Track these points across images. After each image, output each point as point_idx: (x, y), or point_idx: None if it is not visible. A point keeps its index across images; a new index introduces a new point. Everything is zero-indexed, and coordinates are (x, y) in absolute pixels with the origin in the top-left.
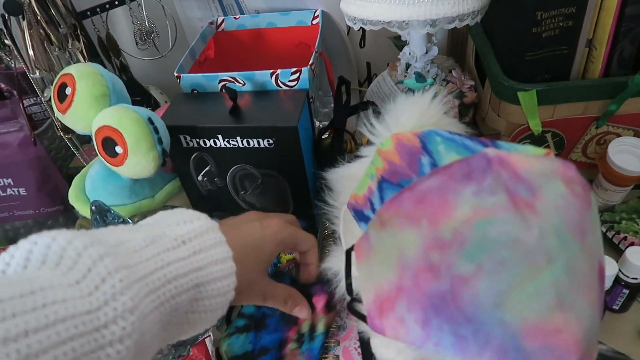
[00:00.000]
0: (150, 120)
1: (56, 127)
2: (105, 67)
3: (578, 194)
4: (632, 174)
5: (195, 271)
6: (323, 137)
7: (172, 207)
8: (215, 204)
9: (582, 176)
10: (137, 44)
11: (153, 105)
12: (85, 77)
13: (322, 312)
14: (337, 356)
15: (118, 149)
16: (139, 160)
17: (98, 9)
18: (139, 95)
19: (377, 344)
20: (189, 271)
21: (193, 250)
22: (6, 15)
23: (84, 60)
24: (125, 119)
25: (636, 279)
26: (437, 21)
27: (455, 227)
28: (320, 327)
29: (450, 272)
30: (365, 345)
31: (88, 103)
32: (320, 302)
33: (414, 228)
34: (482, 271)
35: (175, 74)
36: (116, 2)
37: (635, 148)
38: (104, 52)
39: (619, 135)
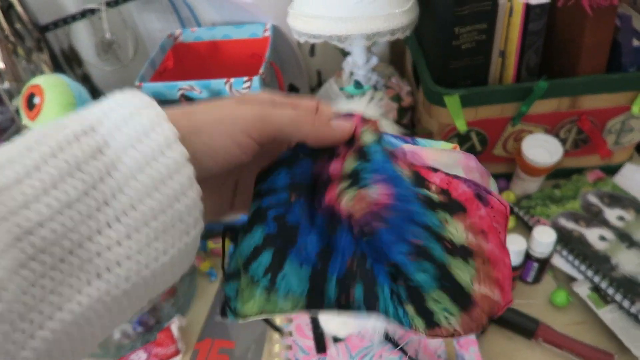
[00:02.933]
0: None
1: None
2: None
3: (475, 180)
4: (543, 166)
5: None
6: None
7: None
8: None
9: (482, 166)
10: (98, 54)
11: None
12: (53, 87)
13: (362, 124)
14: (291, 332)
15: None
16: None
17: (61, 22)
18: None
19: (324, 319)
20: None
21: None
22: None
23: (50, 71)
24: None
25: (543, 253)
26: (371, 35)
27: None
28: (369, 137)
29: None
30: (315, 322)
31: (56, 111)
32: (353, 120)
33: None
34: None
35: (137, 84)
36: (78, 16)
37: (546, 143)
38: (67, 63)
39: (532, 132)
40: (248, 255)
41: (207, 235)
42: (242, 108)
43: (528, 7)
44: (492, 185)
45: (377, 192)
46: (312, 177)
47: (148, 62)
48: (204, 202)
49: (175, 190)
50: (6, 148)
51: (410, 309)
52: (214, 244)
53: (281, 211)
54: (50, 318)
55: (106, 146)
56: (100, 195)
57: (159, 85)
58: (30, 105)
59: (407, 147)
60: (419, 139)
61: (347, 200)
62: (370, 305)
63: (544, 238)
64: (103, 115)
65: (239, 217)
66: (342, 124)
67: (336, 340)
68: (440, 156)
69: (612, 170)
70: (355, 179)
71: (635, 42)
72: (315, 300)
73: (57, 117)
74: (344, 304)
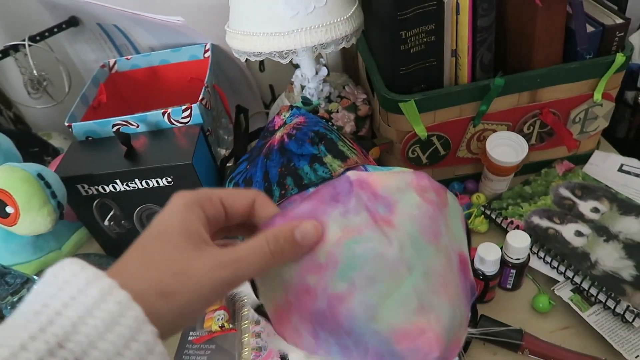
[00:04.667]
0: (40, 176)
1: None
2: None
3: (430, 200)
4: (509, 164)
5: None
6: (228, 164)
7: (87, 254)
8: (128, 247)
9: (435, 182)
10: (29, 93)
11: (52, 154)
12: None
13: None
14: None
15: (9, 209)
16: (34, 217)
17: None
18: (36, 145)
19: (295, 357)
20: None
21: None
22: None
23: None
24: (12, 179)
25: (519, 259)
26: (313, 47)
27: (328, 250)
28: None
29: (326, 292)
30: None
31: None
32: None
33: None
34: (355, 288)
35: (66, 124)
36: None
37: (510, 140)
38: None
39: (495, 131)
40: None
41: None
42: (206, 266)
43: (475, 3)
44: (451, 200)
45: (297, 120)
46: (259, 150)
47: (79, 98)
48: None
49: None
50: None
51: (328, 158)
52: None
53: (244, 176)
54: None
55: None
56: None
57: (91, 124)
58: None
59: (352, 174)
60: (369, 166)
61: (279, 132)
62: (299, 184)
63: (518, 243)
64: (62, 308)
65: None
66: (307, 234)
67: None
68: (389, 180)
69: (581, 159)
70: (284, 123)
71: (589, 28)
72: None
73: None
74: (284, 194)
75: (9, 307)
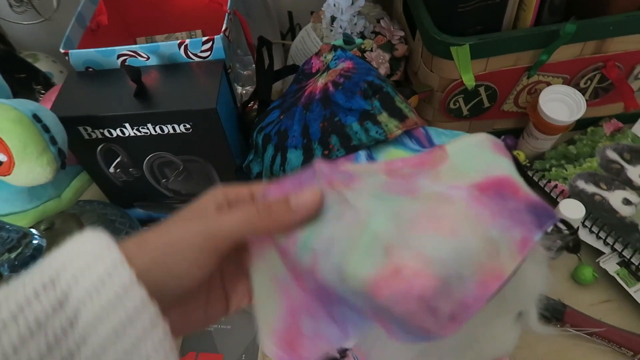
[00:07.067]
0: (36, 117)
1: None
2: None
3: (405, 173)
4: (561, 124)
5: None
6: (249, 104)
7: (89, 201)
8: (134, 195)
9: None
10: (10, 6)
11: (42, 81)
12: None
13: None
14: None
15: (1, 157)
16: (31, 167)
17: None
18: (22, 71)
19: None
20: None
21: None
22: None
23: None
24: (3, 120)
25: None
26: None
27: None
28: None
29: (302, 270)
30: None
31: None
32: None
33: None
34: (317, 255)
35: (62, 51)
36: None
37: (565, 96)
38: None
39: (549, 84)
40: (269, 164)
41: None
42: (191, 226)
43: None
44: (453, 147)
45: (344, 65)
46: (294, 97)
47: (75, 19)
48: (184, 317)
49: (138, 336)
50: None
51: (383, 117)
52: None
53: (277, 127)
54: None
55: (66, 300)
56: (64, 351)
57: (92, 52)
58: None
59: (319, 161)
60: (429, 128)
61: (322, 78)
62: (346, 145)
63: (572, 214)
64: (62, 266)
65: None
66: (303, 201)
67: None
68: (358, 167)
69: (630, 118)
70: (327, 67)
71: None
72: (308, 163)
73: None
74: (327, 155)
75: (6, 265)
